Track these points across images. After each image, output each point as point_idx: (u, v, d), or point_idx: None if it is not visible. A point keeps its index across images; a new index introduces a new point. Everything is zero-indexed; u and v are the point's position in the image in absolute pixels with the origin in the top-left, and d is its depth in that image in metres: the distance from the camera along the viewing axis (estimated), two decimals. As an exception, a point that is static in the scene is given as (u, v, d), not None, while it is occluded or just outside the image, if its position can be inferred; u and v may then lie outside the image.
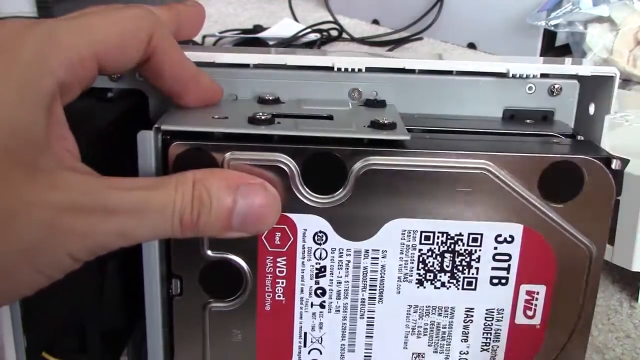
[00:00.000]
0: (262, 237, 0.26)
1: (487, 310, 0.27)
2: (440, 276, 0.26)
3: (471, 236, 0.26)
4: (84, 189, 0.20)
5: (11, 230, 0.19)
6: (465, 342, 0.27)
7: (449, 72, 0.30)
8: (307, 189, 0.25)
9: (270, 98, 0.29)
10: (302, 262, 0.26)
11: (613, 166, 0.25)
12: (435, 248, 0.26)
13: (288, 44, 0.87)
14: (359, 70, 0.29)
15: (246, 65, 0.29)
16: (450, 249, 0.26)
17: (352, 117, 0.27)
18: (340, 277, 0.26)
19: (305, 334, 0.27)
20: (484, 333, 0.27)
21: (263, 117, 0.25)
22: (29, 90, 0.20)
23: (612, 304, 0.42)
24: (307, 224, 0.25)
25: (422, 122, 0.29)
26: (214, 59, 0.29)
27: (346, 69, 0.29)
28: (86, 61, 0.22)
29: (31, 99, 0.20)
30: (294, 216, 0.25)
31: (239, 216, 0.22)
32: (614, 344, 0.38)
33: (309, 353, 0.27)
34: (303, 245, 0.26)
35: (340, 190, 0.25)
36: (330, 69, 0.29)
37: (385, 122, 0.25)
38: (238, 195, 0.22)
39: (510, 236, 0.26)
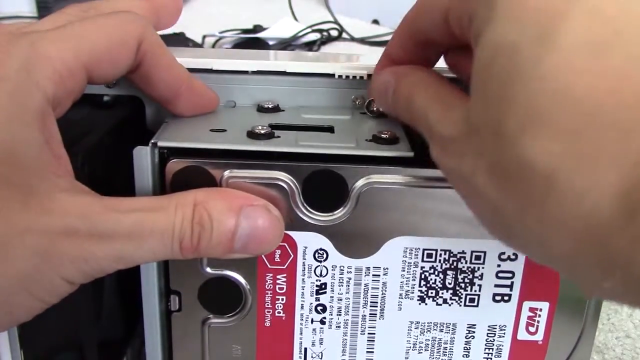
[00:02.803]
0: (262, 255, 0.25)
1: (489, 326, 0.27)
2: (442, 293, 0.26)
3: (474, 254, 0.25)
4: (79, 212, 0.19)
5: (6, 258, 0.18)
6: (466, 357, 0.27)
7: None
8: (307, 207, 0.24)
9: (270, 106, 0.29)
10: (302, 279, 0.26)
11: None
12: (437, 265, 0.26)
13: (288, 44, 0.87)
14: (361, 77, 0.29)
15: (245, 72, 0.29)
16: (452, 267, 0.26)
17: (353, 129, 0.27)
18: (341, 294, 0.26)
19: (306, 349, 0.27)
20: (485, 349, 0.27)
21: (262, 132, 0.25)
22: (18, 108, 0.19)
23: (612, 304, 0.41)
24: (308, 241, 0.25)
25: None
26: (211, 65, 0.28)
27: (347, 77, 0.29)
28: (75, 73, 0.21)
29: (21, 117, 0.19)
30: (294, 234, 0.25)
31: (241, 239, 0.22)
32: (614, 344, 0.38)
33: None
34: (303, 263, 0.25)
35: (341, 208, 0.25)
36: (332, 76, 0.29)
37: (387, 136, 0.25)
38: (241, 217, 0.22)
39: (514, 254, 0.25)
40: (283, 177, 0.24)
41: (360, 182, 0.24)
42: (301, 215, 0.24)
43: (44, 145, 0.20)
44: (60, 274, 0.19)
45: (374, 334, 0.27)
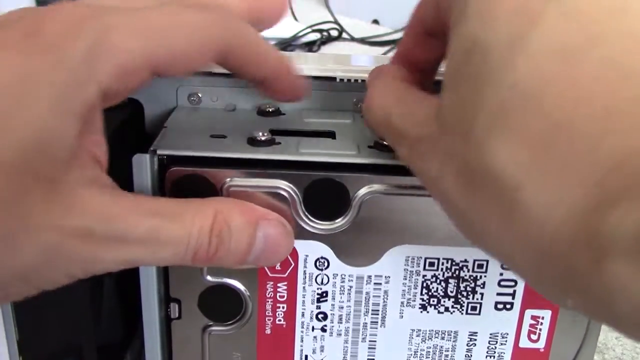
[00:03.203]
0: None
1: (490, 334, 0.27)
2: (444, 301, 0.26)
3: (476, 262, 0.25)
4: (97, 213, 0.19)
5: (13, 252, 0.18)
6: None
7: None
8: (308, 215, 0.24)
9: (271, 110, 0.28)
10: (303, 287, 0.25)
11: None
12: (439, 274, 0.25)
13: (288, 43, 0.86)
14: (362, 80, 0.29)
15: None
16: (455, 275, 0.25)
17: (355, 134, 0.26)
18: (342, 302, 0.26)
19: (307, 356, 0.27)
20: (487, 356, 0.27)
21: (263, 138, 0.24)
22: (68, 99, 0.18)
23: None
24: (309, 250, 0.25)
25: None
26: (211, 68, 0.28)
27: (349, 80, 0.29)
28: (139, 72, 0.20)
29: (68, 109, 0.18)
30: (295, 242, 0.25)
31: (255, 252, 0.22)
32: (614, 344, 0.38)
33: None
34: (304, 271, 0.25)
35: (342, 217, 0.24)
36: (333, 79, 0.29)
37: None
38: (258, 231, 0.21)
39: (516, 263, 0.25)
40: (284, 186, 0.24)
41: (362, 191, 0.24)
42: (302, 223, 0.24)
43: (80, 138, 0.19)
44: (64, 271, 0.19)
45: (375, 341, 0.27)
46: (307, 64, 0.29)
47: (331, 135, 0.26)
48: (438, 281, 0.25)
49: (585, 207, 0.13)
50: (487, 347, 0.27)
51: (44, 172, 0.18)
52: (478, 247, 0.18)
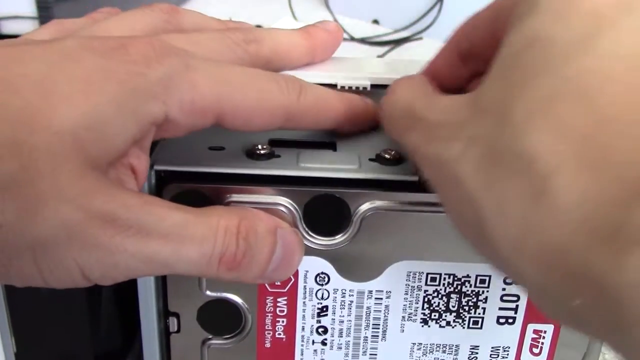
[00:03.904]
0: None
1: (492, 347, 0.26)
2: (446, 315, 0.26)
3: (479, 278, 0.25)
4: (124, 201, 0.18)
5: (34, 217, 0.17)
6: None
7: None
8: (308, 231, 0.24)
9: None
10: (304, 302, 0.25)
11: None
12: (441, 289, 0.25)
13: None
14: (364, 88, 0.28)
15: None
16: (456, 290, 0.25)
17: (356, 144, 0.26)
18: (343, 316, 0.25)
19: None
20: None
21: (262, 152, 0.24)
22: (135, 104, 0.19)
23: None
24: (309, 265, 0.24)
25: None
26: None
27: (350, 87, 0.28)
28: (206, 113, 0.21)
29: (132, 112, 0.19)
30: None
31: (274, 262, 0.21)
32: None
33: None
34: (304, 286, 0.25)
35: (343, 232, 0.24)
36: (334, 86, 0.28)
37: (391, 156, 0.24)
38: (277, 239, 0.21)
39: (519, 278, 0.25)
40: (284, 202, 0.23)
41: (363, 207, 0.24)
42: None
43: (131, 145, 0.20)
44: (77, 258, 0.18)
45: (376, 354, 0.26)
46: (307, 69, 0.28)
47: (332, 145, 0.26)
48: (440, 296, 0.25)
49: (617, 200, 0.14)
50: (489, 360, 0.27)
51: (86, 152, 0.18)
52: (474, 242, 0.18)
